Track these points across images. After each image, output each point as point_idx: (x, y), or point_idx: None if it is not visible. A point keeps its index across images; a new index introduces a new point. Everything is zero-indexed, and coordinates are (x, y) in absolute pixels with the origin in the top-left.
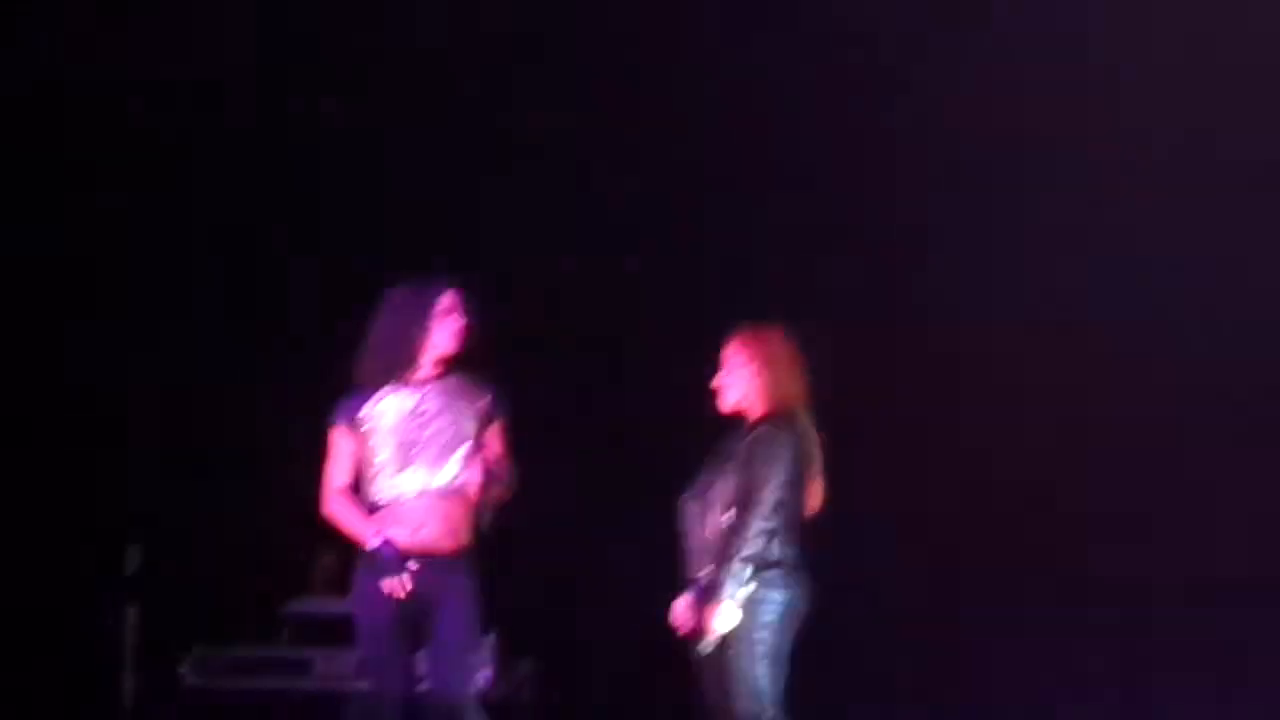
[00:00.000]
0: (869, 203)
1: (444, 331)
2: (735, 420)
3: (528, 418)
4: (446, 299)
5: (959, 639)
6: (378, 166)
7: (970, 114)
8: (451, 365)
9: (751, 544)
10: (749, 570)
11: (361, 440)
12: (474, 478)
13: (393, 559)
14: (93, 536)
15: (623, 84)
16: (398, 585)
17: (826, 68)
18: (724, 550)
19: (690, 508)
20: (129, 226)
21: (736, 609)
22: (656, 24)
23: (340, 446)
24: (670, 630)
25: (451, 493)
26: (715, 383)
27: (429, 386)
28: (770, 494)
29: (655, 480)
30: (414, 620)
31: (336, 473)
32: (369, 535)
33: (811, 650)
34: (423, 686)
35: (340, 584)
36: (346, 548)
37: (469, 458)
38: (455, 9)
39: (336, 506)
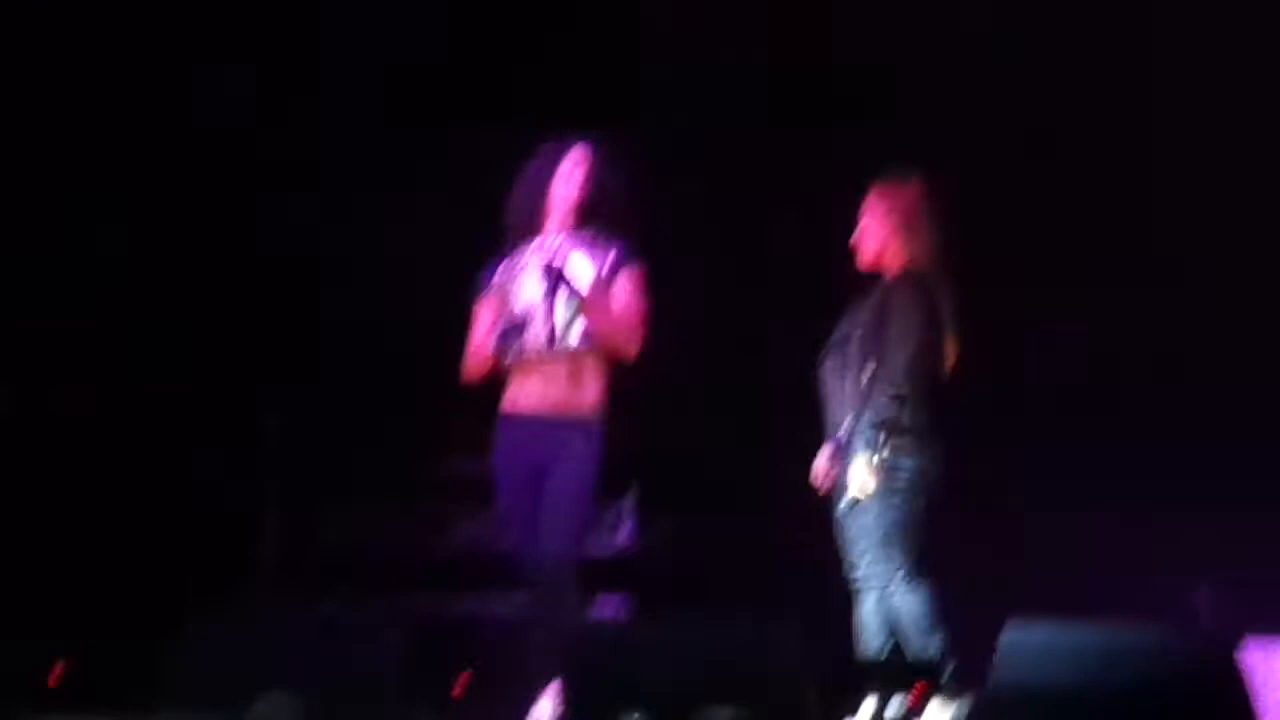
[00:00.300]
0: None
1: (566, 184)
2: (871, 276)
3: (660, 274)
4: (572, 153)
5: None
6: None
7: None
8: (581, 219)
9: (886, 406)
10: (883, 433)
11: (498, 303)
12: (603, 333)
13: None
14: (236, 396)
15: None
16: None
17: None
18: (859, 410)
19: (827, 365)
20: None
21: (871, 471)
22: None
23: (481, 318)
24: (809, 488)
25: (580, 350)
26: (854, 237)
27: (559, 242)
28: (903, 355)
29: (793, 337)
30: (539, 477)
31: (480, 327)
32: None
33: (943, 514)
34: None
35: (479, 444)
36: (485, 408)
37: (598, 312)
38: None
39: (476, 363)
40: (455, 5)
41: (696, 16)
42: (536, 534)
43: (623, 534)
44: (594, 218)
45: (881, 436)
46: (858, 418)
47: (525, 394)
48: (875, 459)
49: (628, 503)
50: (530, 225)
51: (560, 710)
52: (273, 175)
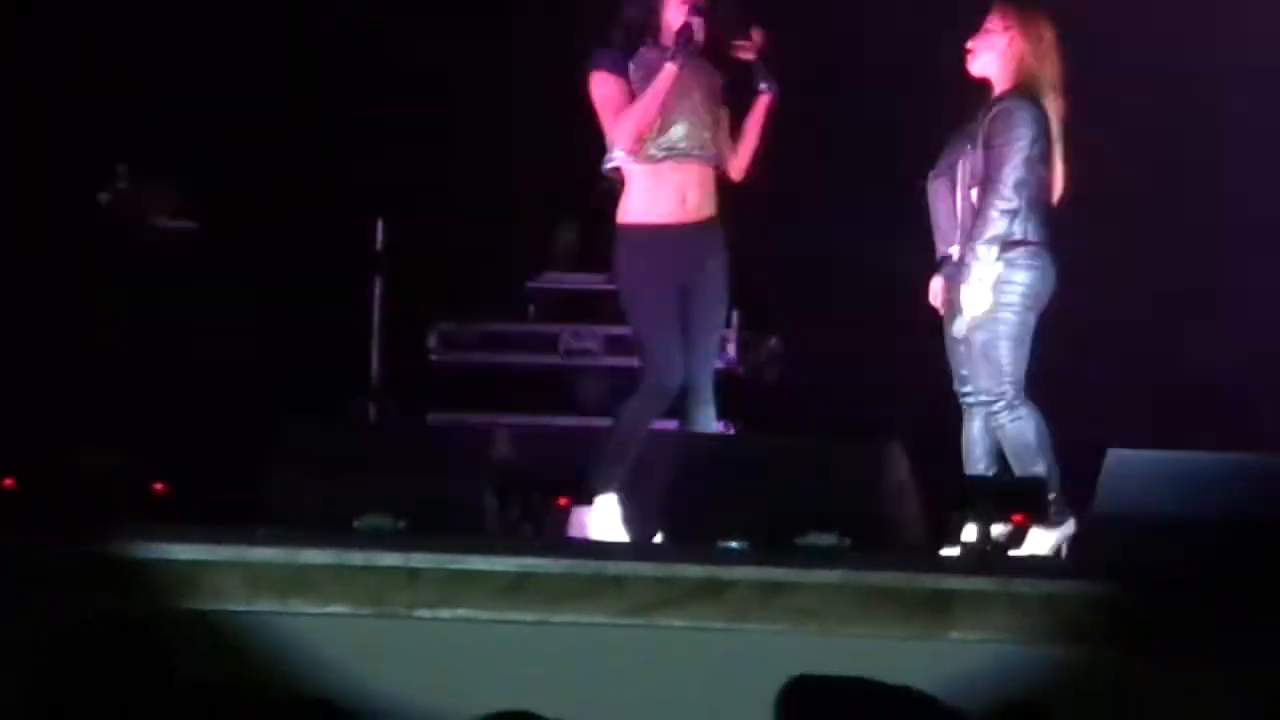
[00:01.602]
0: None
1: (675, 8)
2: (981, 92)
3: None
4: None
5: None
6: None
7: None
8: (690, 42)
9: (995, 224)
10: (995, 250)
11: (625, 88)
12: (725, 149)
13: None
14: (341, 210)
15: None
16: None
17: None
18: (970, 229)
19: (936, 185)
20: None
21: (985, 290)
22: None
23: (611, 85)
24: (919, 308)
25: (710, 160)
26: (969, 43)
27: (679, 57)
28: (1011, 171)
29: (902, 157)
30: (679, 292)
31: (620, 105)
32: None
33: (1054, 332)
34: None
35: (583, 259)
36: (589, 223)
37: (721, 128)
38: None
39: (634, 117)
40: None
41: None
42: (684, 344)
43: (727, 354)
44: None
45: (994, 253)
46: (968, 234)
47: (670, 200)
48: (987, 275)
49: (733, 323)
50: (638, 31)
51: (609, 523)
52: None
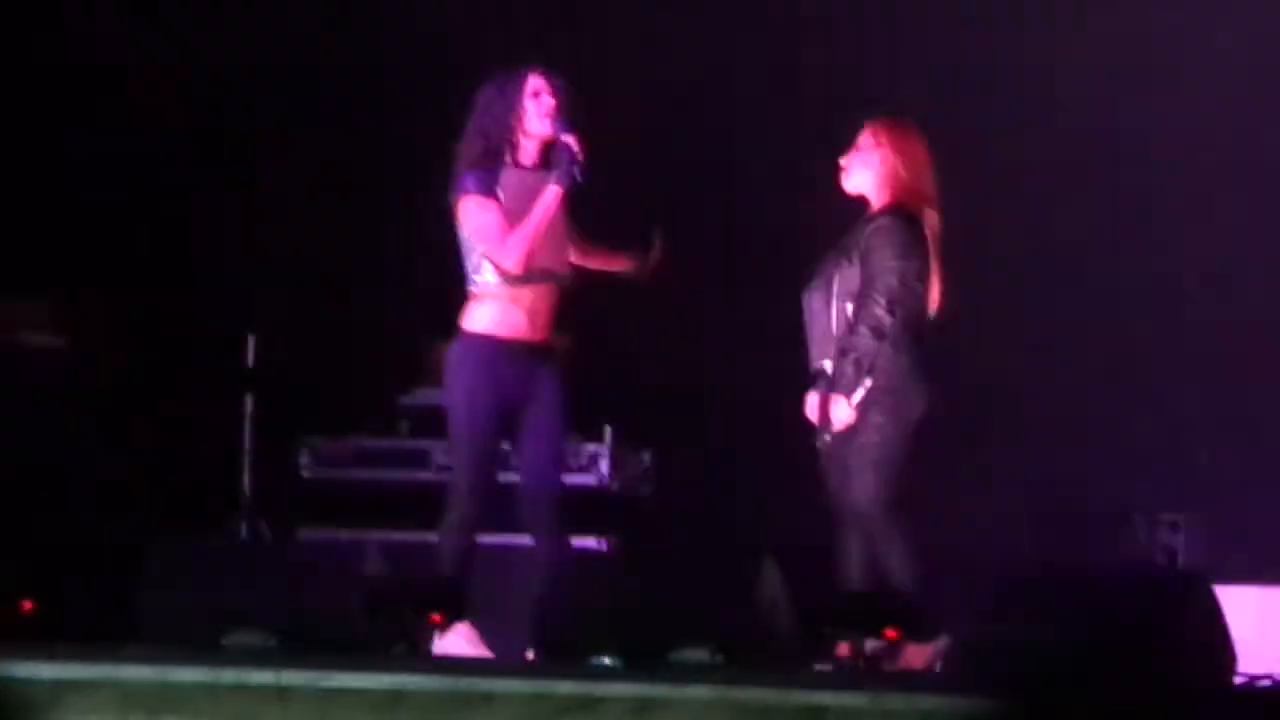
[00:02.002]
0: None
1: (536, 113)
2: (857, 209)
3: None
4: (534, 80)
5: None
6: None
7: None
8: (574, 163)
9: (867, 339)
10: (865, 366)
11: (501, 210)
12: (573, 267)
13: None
14: (213, 326)
15: None
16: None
17: None
18: (843, 343)
19: (811, 298)
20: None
21: (853, 404)
22: None
23: (490, 210)
24: (791, 423)
25: (563, 280)
26: (842, 160)
27: (537, 171)
28: (886, 287)
29: (775, 271)
30: (511, 409)
31: (501, 229)
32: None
33: (928, 449)
34: (515, 477)
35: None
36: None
37: (573, 247)
38: None
39: (524, 240)
40: None
41: None
42: (521, 461)
43: (599, 471)
44: (557, 148)
45: (864, 369)
46: (841, 350)
47: (521, 318)
48: (858, 392)
49: (605, 440)
50: (497, 148)
51: (471, 644)
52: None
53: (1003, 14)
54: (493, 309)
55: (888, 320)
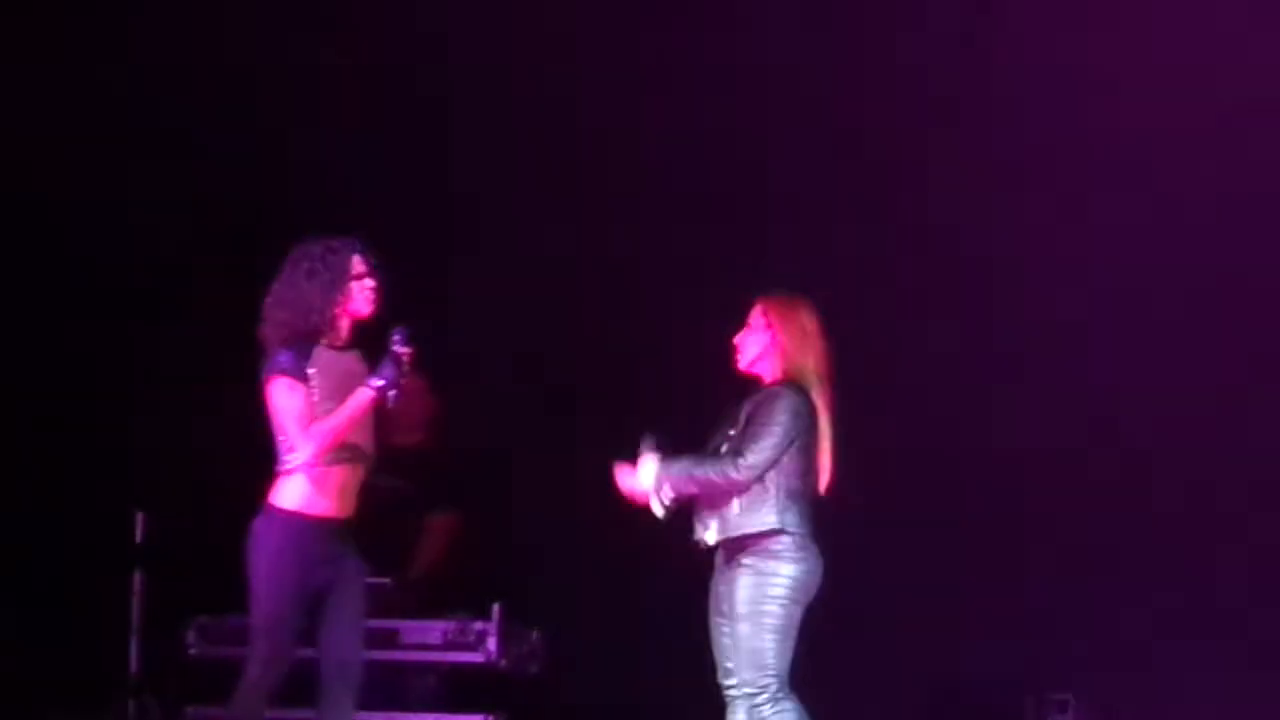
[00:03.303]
0: None
1: (360, 296)
2: (749, 384)
3: (533, 383)
4: (358, 263)
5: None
6: None
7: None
8: (400, 372)
9: (720, 470)
10: (751, 541)
11: (309, 395)
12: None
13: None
14: (98, 504)
15: None
16: None
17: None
18: (726, 515)
19: None
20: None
21: (739, 581)
22: None
23: (298, 395)
24: (683, 602)
25: (367, 462)
26: (735, 339)
27: (350, 355)
28: (761, 451)
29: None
30: (315, 586)
31: (306, 415)
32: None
33: (819, 625)
34: (320, 652)
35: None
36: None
37: (374, 430)
38: None
39: (326, 436)
40: None
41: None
42: (326, 641)
43: (487, 648)
44: (387, 353)
45: (686, 484)
46: (728, 529)
47: (329, 497)
48: (743, 568)
49: (493, 617)
50: (317, 326)
51: None
52: None
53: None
54: (302, 487)
55: (747, 476)
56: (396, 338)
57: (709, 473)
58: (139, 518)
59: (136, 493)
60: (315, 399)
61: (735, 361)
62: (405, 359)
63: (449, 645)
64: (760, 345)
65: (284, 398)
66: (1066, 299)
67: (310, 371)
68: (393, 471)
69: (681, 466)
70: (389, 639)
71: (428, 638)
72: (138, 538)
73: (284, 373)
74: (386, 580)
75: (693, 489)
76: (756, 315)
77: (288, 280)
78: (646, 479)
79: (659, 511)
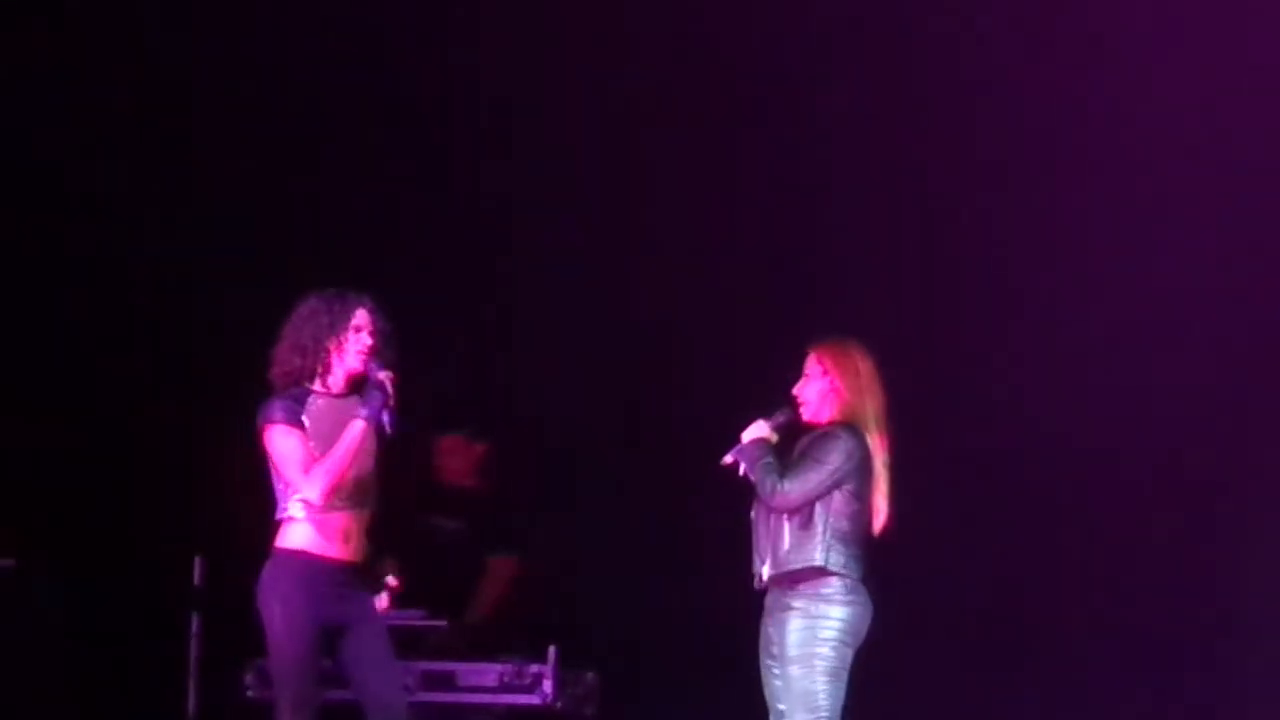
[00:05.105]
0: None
1: (355, 348)
2: (809, 429)
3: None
4: (361, 315)
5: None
6: None
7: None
8: (386, 405)
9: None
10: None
11: (306, 440)
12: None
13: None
14: (159, 547)
15: None
16: None
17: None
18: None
19: (755, 511)
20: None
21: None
22: None
23: (295, 440)
24: (738, 640)
25: (369, 506)
26: (795, 390)
27: (347, 402)
28: (807, 487)
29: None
30: (330, 627)
31: (306, 458)
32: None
33: (874, 669)
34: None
35: (401, 595)
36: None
37: (376, 474)
38: None
39: (328, 474)
40: None
41: None
42: (362, 691)
43: (543, 690)
44: (369, 385)
45: (798, 586)
46: (777, 565)
47: (335, 540)
48: (793, 611)
49: (549, 659)
50: (309, 372)
51: None
52: None
53: None
54: (305, 531)
55: (772, 498)
56: (372, 366)
57: (764, 474)
58: (198, 561)
59: (196, 537)
60: (310, 443)
61: (798, 415)
62: (388, 384)
63: (505, 688)
64: (819, 392)
65: (281, 443)
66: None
67: (303, 418)
68: (452, 514)
69: (762, 450)
70: (445, 681)
71: (484, 680)
72: (196, 581)
73: (275, 420)
74: (444, 622)
75: (752, 474)
76: (812, 363)
77: (293, 321)
78: (748, 432)
79: (728, 459)
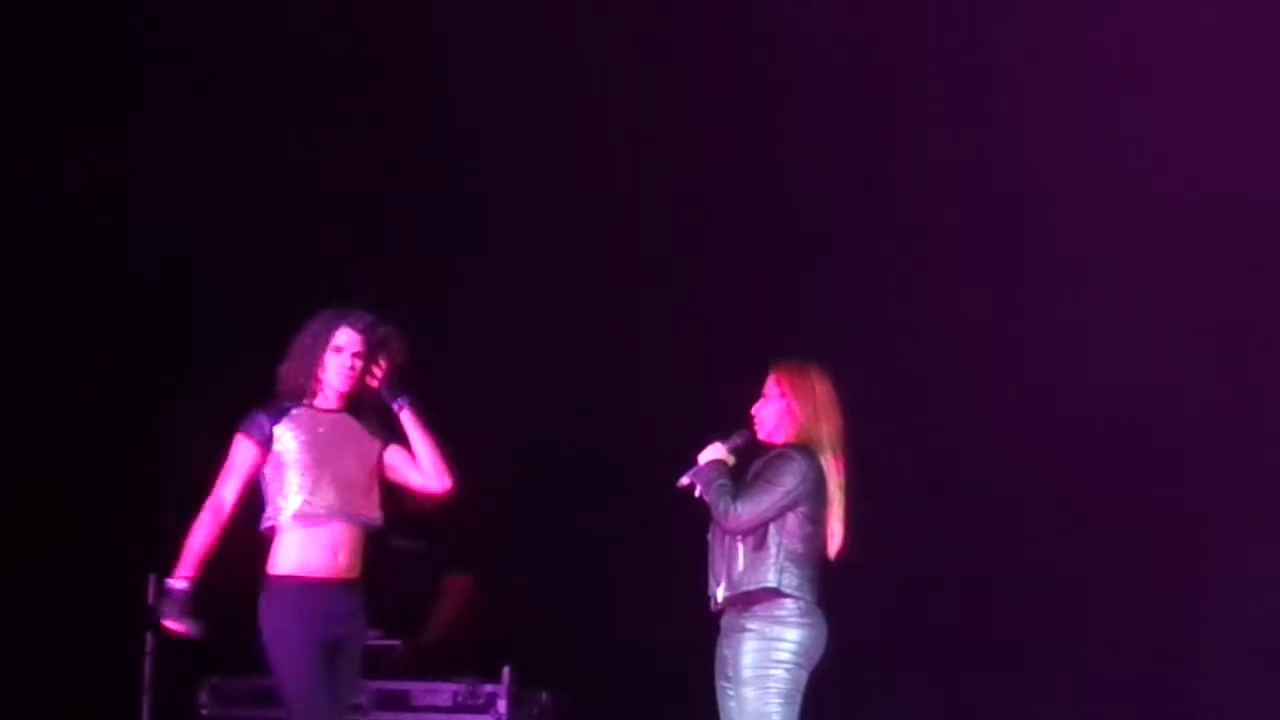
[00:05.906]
0: None
1: (334, 367)
2: (765, 449)
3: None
4: (342, 335)
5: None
6: None
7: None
8: (350, 401)
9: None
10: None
11: (267, 457)
12: (377, 514)
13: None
14: (112, 565)
15: None
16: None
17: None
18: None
19: (713, 534)
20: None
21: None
22: None
23: (242, 457)
24: (695, 663)
25: (359, 523)
26: (753, 410)
27: (337, 416)
28: (758, 509)
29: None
30: (329, 644)
31: (229, 488)
32: (183, 571)
33: (827, 691)
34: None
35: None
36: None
37: (372, 495)
38: None
39: (208, 521)
40: None
41: None
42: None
43: (497, 710)
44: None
45: (752, 607)
46: (731, 587)
47: (322, 557)
48: (748, 632)
49: (503, 679)
50: (298, 389)
51: None
52: None
53: None
54: (292, 550)
55: (725, 519)
56: (386, 392)
57: (718, 496)
58: (151, 579)
59: (148, 554)
60: (280, 459)
61: (755, 433)
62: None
63: (459, 707)
64: (775, 413)
65: (233, 450)
66: None
67: (276, 430)
68: (409, 534)
69: (717, 472)
70: (399, 701)
71: (437, 700)
72: (150, 599)
73: (240, 430)
74: (398, 642)
75: (707, 495)
76: (771, 384)
77: (295, 339)
78: (704, 455)
79: (684, 481)
